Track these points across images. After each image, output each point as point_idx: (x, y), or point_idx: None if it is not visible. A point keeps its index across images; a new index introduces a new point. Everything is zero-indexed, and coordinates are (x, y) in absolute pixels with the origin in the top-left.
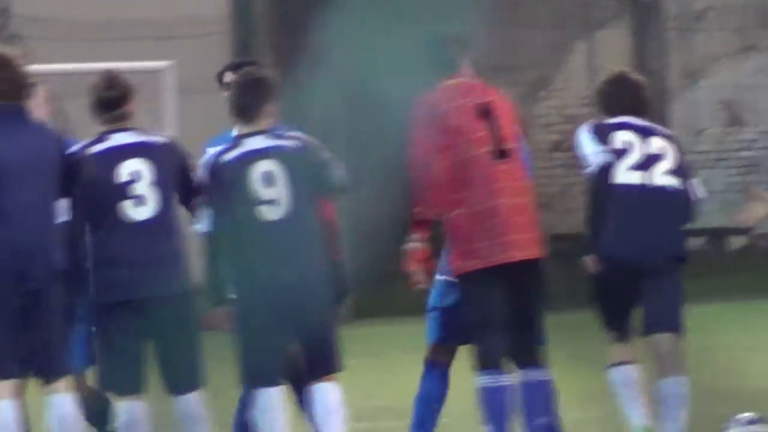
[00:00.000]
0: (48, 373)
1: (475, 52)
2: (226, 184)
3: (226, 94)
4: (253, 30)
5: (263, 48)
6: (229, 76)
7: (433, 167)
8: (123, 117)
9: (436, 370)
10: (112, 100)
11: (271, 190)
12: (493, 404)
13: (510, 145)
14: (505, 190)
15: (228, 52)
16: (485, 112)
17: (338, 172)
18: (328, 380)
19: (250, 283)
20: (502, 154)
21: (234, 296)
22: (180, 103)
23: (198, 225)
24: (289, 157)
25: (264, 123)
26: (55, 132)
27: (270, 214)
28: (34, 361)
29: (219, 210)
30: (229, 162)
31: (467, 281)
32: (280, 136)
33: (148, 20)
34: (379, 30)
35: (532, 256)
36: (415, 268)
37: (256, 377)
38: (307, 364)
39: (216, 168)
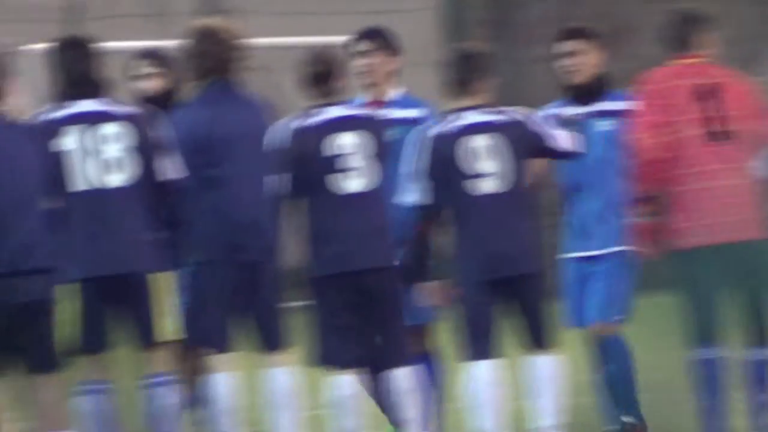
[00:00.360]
0: (266, 347)
1: (711, 31)
2: (442, 157)
3: (357, 62)
4: (463, 4)
5: (473, 22)
6: (364, 45)
7: (648, 144)
8: (334, 91)
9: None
10: (323, 75)
11: (488, 163)
12: (707, 377)
13: (733, 127)
14: (717, 172)
15: (438, 27)
16: (708, 93)
17: (562, 140)
18: (545, 353)
19: (468, 255)
20: (721, 135)
21: (451, 270)
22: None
23: (407, 197)
24: (506, 131)
25: (480, 98)
26: (266, 106)
27: (487, 187)
28: (251, 335)
29: (435, 182)
30: (446, 135)
31: (679, 259)
32: (496, 111)
33: None
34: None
35: (746, 238)
36: (641, 242)
37: (474, 350)
38: (524, 337)
39: (432, 140)
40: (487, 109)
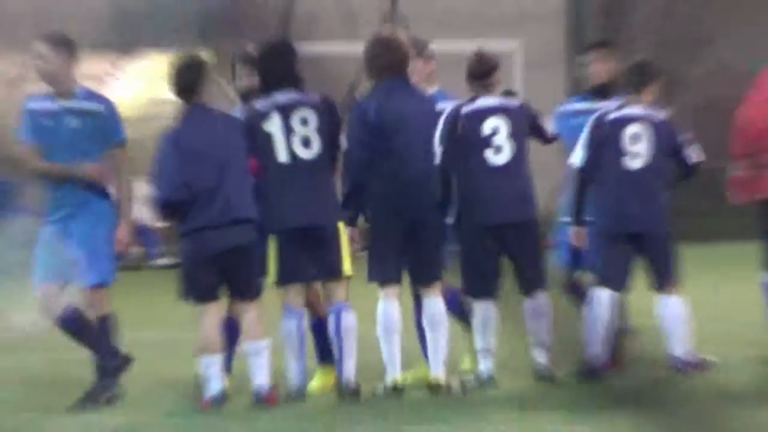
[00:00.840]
0: (424, 279)
1: None
2: (603, 136)
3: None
4: (586, 14)
5: (596, 30)
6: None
7: (752, 115)
8: (489, 85)
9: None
10: (483, 72)
11: (636, 146)
12: None
13: None
14: None
15: (564, 35)
16: None
17: (693, 151)
18: (668, 292)
19: (609, 211)
20: None
21: (593, 219)
22: (526, 76)
23: (574, 160)
24: (655, 126)
25: (645, 100)
26: (429, 95)
27: (633, 164)
28: (414, 270)
29: (593, 154)
30: (609, 120)
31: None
32: (653, 109)
33: (502, 11)
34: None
35: None
36: (736, 191)
37: (601, 281)
38: (653, 280)
39: (599, 123)
40: (647, 107)
